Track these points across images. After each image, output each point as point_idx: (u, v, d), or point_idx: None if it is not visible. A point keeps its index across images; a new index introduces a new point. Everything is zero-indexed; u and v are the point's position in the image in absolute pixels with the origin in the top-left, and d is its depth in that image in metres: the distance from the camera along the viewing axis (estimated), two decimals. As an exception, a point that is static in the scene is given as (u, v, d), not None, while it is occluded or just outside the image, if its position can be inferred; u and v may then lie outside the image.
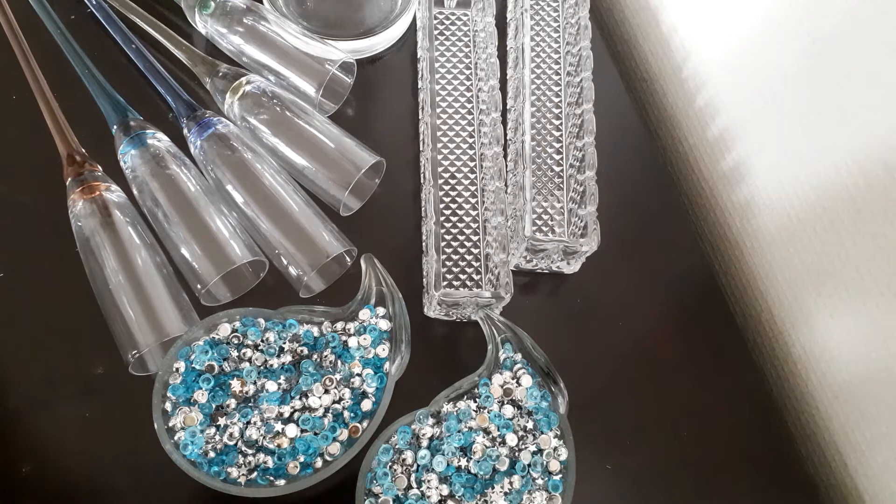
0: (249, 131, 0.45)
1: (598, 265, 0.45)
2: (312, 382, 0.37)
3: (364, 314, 0.39)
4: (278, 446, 0.35)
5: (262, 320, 0.38)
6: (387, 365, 0.38)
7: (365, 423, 0.37)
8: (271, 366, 0.37)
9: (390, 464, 0.36)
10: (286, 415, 0.36)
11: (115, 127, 0.43)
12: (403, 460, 0.36)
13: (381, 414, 0.37)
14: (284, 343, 0.38)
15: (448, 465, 0.36)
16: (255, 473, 0.35)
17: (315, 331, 0.38)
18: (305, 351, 0.38)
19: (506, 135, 0.49)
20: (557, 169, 0.47)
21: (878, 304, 0.39)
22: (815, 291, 0.44)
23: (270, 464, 0.35)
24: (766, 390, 0.45)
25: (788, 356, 0.47)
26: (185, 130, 0.44)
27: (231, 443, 0.35)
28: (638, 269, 0.47)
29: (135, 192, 0.42)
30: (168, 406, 0.35)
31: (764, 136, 0.46)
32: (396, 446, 0.36)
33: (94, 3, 0.48)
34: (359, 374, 0.37)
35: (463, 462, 0.36)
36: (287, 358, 0.37)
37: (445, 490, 0.35)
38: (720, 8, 0.48)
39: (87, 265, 0.39)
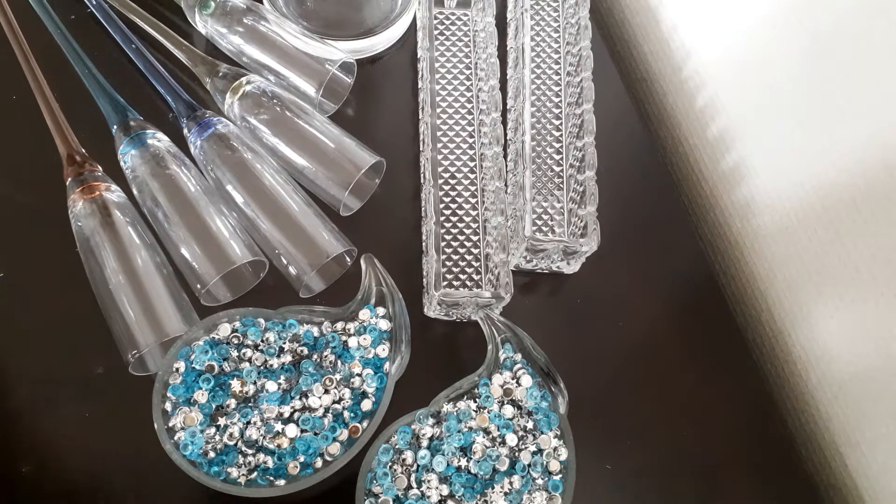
0: (249, 131, 0.45)
1: (598, 265, 0.45)
2: (312, 382, 0.37)
3: (364, 314, 0.39)
4: (278, 446, 0.35)
5: (262, 320, 0.38)
6: (387, 365, 0.38)
7: (365, 423, 0.37)
8: (271, 366, 0.37)
9: (390, 464, 0.36)
10: (286, 415, 0.36)
11: (115, 127, 0.43)
12: (403, 460, 0.36)
13: (381, 414, 0.37)
14: (284, 343, 0.38)
15: (448, 465, 0.36)
16: (255, 473, 0.35)
17: (315, 331, 0.38)
18: (305, 351, 0.38)
19: (506, 135, 0.49)
20: (557, 169, 0.47)
21: (879, 303, 0.39)
22: (816, 291, 0.44)
23: (270, 464, 0.35)
24: (766, 390, 0.45)
25: (788, 356, 0.47)
26: (185, 130, 0.44)
27: (231, 443, 0.35)
28: (638, 269, 0.47)
29: (135, 192, 0.42)
30: (168, 406, 0.35)
31: (764, 136, 0.46)
32: (396, 446, 0.36)
33: (94, 2, 0.48)
34: (359, 374, 0.37)
35: (463, 462, 0.36)
36: (287, 358, 0.37)
37: (445, 490, 0.35)
38: (720, 8, 0.48)
39: (87, 265, 0.39)
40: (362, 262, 0.40)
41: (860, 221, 0.40)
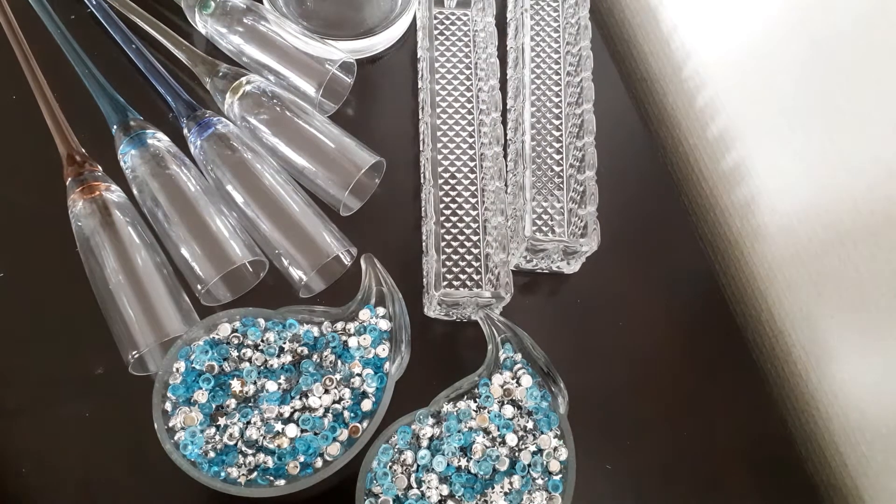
0: (249, 131, 0.45)
1: (598, 265, 0.45)
2: (312, 382, 0.37)
3: (364, 314, 0.39)
4: (278, 446, 0.35)
5: (262, 320, 0.38)
6: (387, 365, 0.38)
7: (365, 423, 0.37)
8: (271, 366, 0.37)
9: (390, 464, 0.36)
10: (286, 415, 0.36)
11: (114, 127, 0.43)
12: (403, 460, 0.36)
13: (381, 414, 0.37)
14: (284, 343, 0.38)
15: (448, 465, 0.36)
16: (255, 473, 0.35)
17: (315, 331, 0.38)
18: (305, 351, 0.38)
19: (506, 135, 0.49)
20: (557, 169, 0.47)
21: (879, 303, 0.39)
22: (815, 291, 0.44)
23: (270, 464, 0.35)
24: (766, 390, 0.45)
25: (788, 356, 0.47)
26: (185, 130, 0.44)
27: (231, 443, 0.35)
28: (638, 269, 0.47)
29: (135, 191, 0.42)
30: (168, 406, 0.35)
31: (764, 136, 0.46)
32: (396, 446, 0.36)
33: (94, 2, 0.48)
34: (359, 374, 0.37)
35: (463, 462, 0.36)
36: (287, 358, 0.37)
37: (445, 490, 0.35)
38: (721, 8, 0.48)
39: (87, 265, 0.39)
40: (362, 261, 0.40)
41: (860, 221, 0.40)
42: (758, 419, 0.43)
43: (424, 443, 0.36)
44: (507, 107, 0.50)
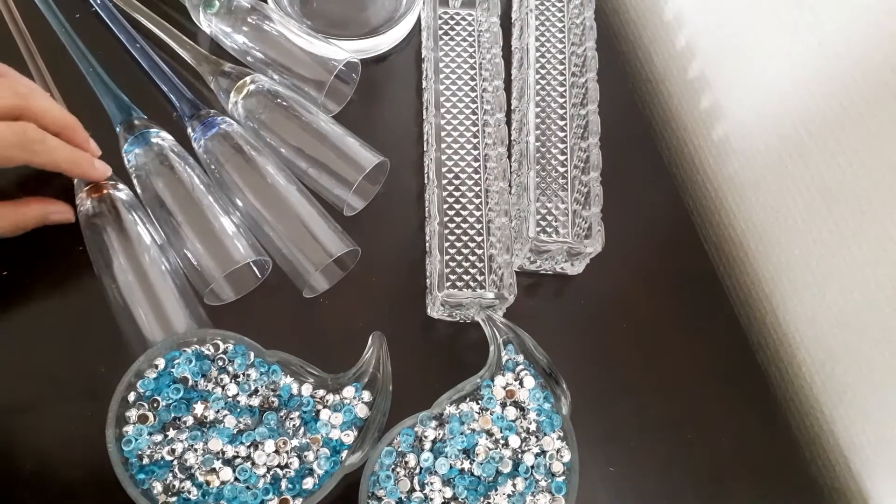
0: (253, 130, 0.45)
1: (602, 267, 0.45)
2: (268, 436, 0.35)
3: (348, 392, 0.37)
4: (207, 483, 0.34)
5: (251, 354, 0.37)
6: (345, 454, 0.36)
7: (298, 502, 0.34)
8: (238, 401, 0.36)
9: (393, 466, 0.36)
10: (228, 455, 0.34)
11: (119, 126, 0.43)
12: (406, 463, 0.35)
13: (317, 498, 0.35)
14: (261, 386, 0.36)
15: (451, 467, 0.35)
16: (175, 499, 0.33)
17: (295, 388, 0.37)
18: (276, 403, 0.36)
19: (510, 135, 0.48)
20: (562, 170, 0.46)
21: (884, 306, 0.39)
22: (820, 294, 0.44)
23: (192, 496, 0.33)
24: (771, 393, 0.45)
25: (793, 358, 0.47)
26: (190, 129, 0.44)
27: (169, 458, 0.34)
28: (642, 270, 0.47)
29: (139, 190, 0.42)
30: (132, 396, 0.34)
31: (769, 139, 0.46)
32: (399, 449, 0.36)
33: (99, 1, 0.48)
34: (314, 451, 0.35)
35: (466, 464, 0.36)
36: (256, 402, 0.36)
37: (449, 493, 0.35)
38: (726, 10, 0.48)
39: (95, 263, 0.39)
40: (370, 338, 0.39)
41: (865, 223, 0.39)
42: (762, 421, 0.43)
43: (427, 445, 0.36)
44: (512, 107, 0.49)
